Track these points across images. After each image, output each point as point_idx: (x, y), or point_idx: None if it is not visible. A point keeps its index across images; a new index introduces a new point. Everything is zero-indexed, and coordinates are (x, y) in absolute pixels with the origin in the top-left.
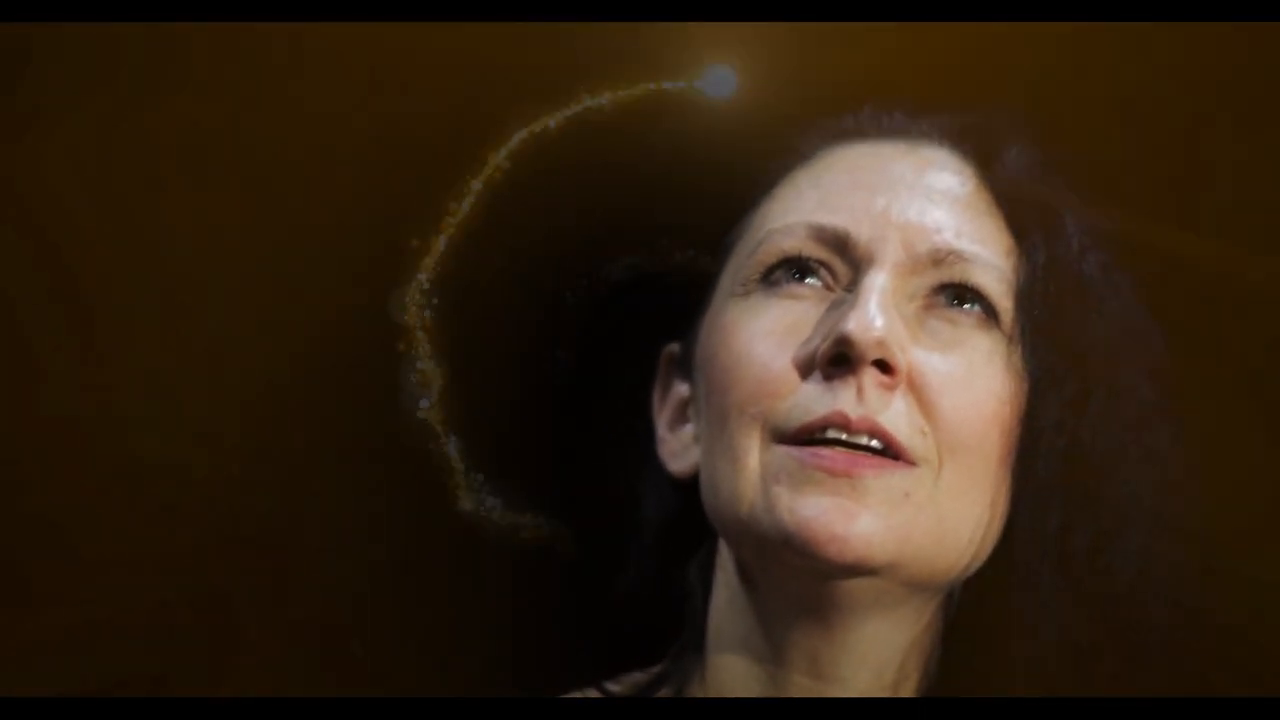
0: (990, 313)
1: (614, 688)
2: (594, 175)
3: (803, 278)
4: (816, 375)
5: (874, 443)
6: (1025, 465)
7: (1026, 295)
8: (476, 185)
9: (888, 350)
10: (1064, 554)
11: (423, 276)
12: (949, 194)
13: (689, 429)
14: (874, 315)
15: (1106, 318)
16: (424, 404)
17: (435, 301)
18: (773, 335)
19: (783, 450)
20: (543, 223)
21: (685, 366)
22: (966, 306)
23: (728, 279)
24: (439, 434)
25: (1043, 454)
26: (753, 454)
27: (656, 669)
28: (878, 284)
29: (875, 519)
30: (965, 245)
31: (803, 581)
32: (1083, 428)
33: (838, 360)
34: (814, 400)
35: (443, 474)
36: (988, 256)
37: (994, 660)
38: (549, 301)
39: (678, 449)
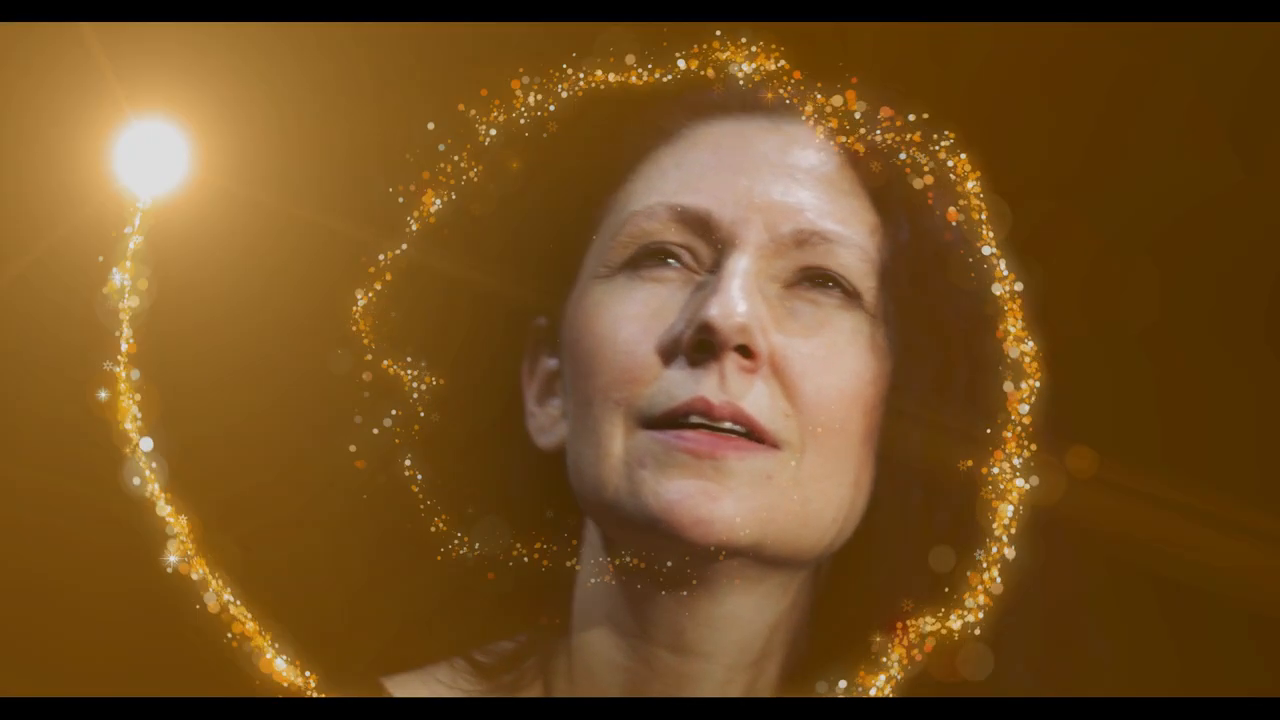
0: (853, 293)
1: (482, 658)
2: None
3: (665, 260)
4: (680, 361)
5: (737, 427)
6: (889, 443)
7: (890, 273)
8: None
9: (749, 336)
10: (927, 530)
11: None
12: (813, 173)
13: (557, 403)
14: (736, 301)
15: (970, 292)
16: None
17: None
18: (636, 320)
19: (647, 435)
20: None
21: (552, 342)
22: (830, 286)
23: (592, 259)
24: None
25: (906, 431)
26: (616, 439)
27: (523, 638)
28: (740, 268)
29: (737, 501)
30: (828, 226)
31: (665, 561)
32: (946, 403)
33: (701, 346)
34: (677, 386)
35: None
36: (851, 236)
37: (859, 637)
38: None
39: (545, 424)
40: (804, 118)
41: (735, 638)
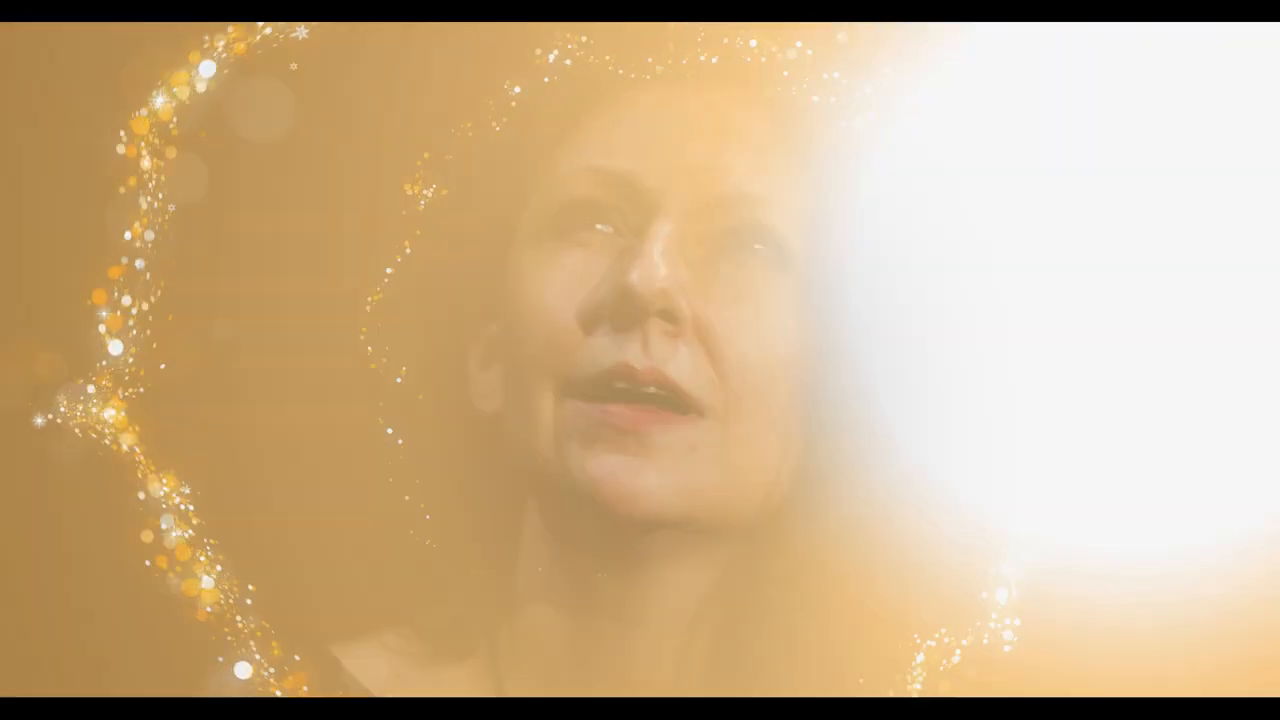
0: (781, 256)
1: (429, 624)
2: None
3: (592, 224)
4: (604, 327)
5: (660, 392)
6: (818, 407)
7: (820, 237)
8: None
9: (671, 301)
10: (859, 496)
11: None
12: (742, 136)
13: (499, 369)
14: (657, 265)
15: (902, 251)
16: None
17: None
18: (561, 286)
19: (574, 406)
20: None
21: (493, 307)
22: (757, 248)
23: (523, 224)
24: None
25: (836, 395)
26: (546, 409)
27: (468, 603)
28: (663, 231)
29: (661, 475)
30: (756, 188)
31: (600, 533)
32: (876, 365)
33: (623, 312)
34: (601, 352)
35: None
36: (779, 198)
37: (793, 602)
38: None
39: (486, 390)
40: (735, 81)
41: (670, 605)
